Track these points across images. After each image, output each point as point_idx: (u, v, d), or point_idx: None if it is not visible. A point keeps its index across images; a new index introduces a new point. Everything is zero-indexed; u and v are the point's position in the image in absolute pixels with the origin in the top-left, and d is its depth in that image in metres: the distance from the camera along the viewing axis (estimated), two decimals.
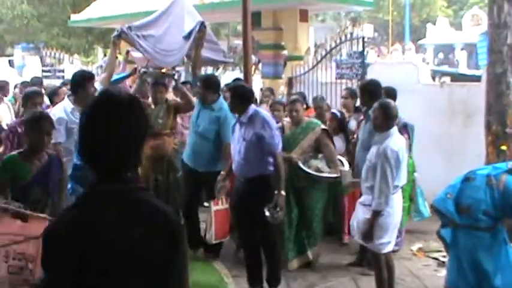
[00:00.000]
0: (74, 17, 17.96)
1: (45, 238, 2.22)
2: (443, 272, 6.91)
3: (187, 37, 8.25)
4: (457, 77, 13.09)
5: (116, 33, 7.56)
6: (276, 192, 6.15)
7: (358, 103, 8.56)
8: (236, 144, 6.43)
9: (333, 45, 11.14)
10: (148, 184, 7.51)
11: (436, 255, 7.70)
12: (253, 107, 6.42)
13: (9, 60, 28.86)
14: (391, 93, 7.36)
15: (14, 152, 5.40)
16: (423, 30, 35.79)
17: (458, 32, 30.38)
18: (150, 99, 8.08)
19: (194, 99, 8.03)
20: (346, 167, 7.24)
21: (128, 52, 9.97)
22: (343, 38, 10.71)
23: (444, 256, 7.14)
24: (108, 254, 2.19)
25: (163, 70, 8.79)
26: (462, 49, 29.83)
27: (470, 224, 6.22)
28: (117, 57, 8.03)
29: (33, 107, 7.16)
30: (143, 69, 8.28)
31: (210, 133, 7.39)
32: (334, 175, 7.10)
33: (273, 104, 8.55)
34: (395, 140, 5.80)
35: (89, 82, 6.60)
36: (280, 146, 6.37)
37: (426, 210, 7.81)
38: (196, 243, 7.56)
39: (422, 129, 8.68)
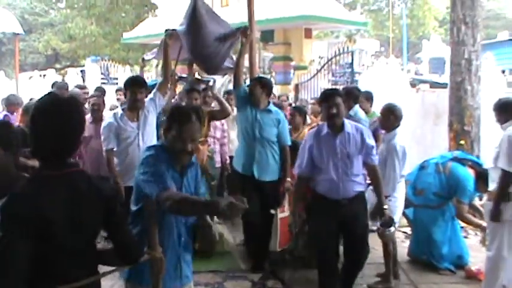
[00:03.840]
0: (125, 35, 18.28)
1: (3, 210, 2.29)
2: (407, 243, 6.97)
3: (221, 39, 6.64)
4: (433, 85, 13.04)
5: (167, 32, 5.99)
6: (385, 207, 4.91)
7: None
8: (332, 160, 4.71)
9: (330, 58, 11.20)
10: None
11: (404, 229, 7.72)
12: None
13: (81, 70, 29.31)
14: (369, 96, 7.39)
15: None
16: (420, 45, 35.36)
17: (448, 47, 29.99)
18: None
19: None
20: None
21: (143, 60, 8.56)
22: (337, 52, 10.74)
23: (411, 230, 7.18)
24: (56, 224, 2.30)
25: (198, 76, 7.85)
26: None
27: (424, 203, 6.30)
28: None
29: None
30: (178, 75, 7.29)
31: (274, 137, 5.92)
32: None
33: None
34: (400, 138, 5.69)
35: (131, 87, 5.54)
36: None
37: None
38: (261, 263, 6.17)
39: (400, 127, 8.70)
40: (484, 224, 5.86)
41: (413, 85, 11.42)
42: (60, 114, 2.37)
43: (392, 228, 4.99)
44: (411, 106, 9.86)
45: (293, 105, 8.43)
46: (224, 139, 7.56)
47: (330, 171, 4.71)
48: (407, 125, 9.53)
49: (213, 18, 6.70)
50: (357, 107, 7.14)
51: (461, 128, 8.21)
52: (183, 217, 3.21)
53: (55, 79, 22.04)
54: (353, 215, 4.73)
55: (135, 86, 5.53)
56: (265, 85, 6.00)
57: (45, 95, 2.51)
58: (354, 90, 7.53)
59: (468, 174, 6.10)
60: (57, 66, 34.42)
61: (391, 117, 5.72)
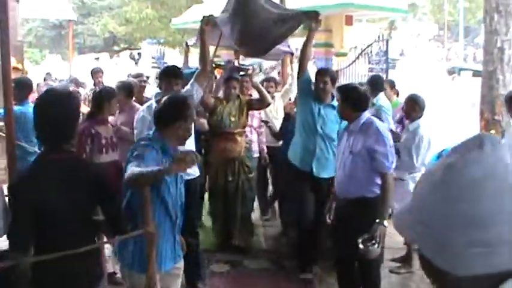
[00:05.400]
0: (174, 20, 18.69)
1: (11, 189, 2.73)
2: None
3: (278, 21, 5.86)
4: (475, 73, 12.89)
5: (203, 19, 5.40)
6: (377, 220, 4.25)
7: None
8: (340, 157, 4.65)
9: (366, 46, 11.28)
10: (216, 185, 6.30)
11: None
12: (366, 114, 4.57)
13: (138, 53, 30.09)
14: (392, 84, 7.50)
15: None
16: (479, 29, 34.55)
17: None
18: (221, 94, 6.50)
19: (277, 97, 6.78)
20: None
21: (187, 45, 7.99)
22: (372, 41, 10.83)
23: None
24: (52, 201, 2.65)
25: (237, 63, 7.42)
26: None
27: None
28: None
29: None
30: (216, 63, 6.77)
31: (335, 134, 5.54)
32: None
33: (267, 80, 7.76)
34: (424, 128, 5.71)
35: (167, 78, 5.14)
36: (393, 166, 4.48)
37: None
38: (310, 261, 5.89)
39: (431, 115, 8.80)
40: None
41: (451, 73, 11.35)
42: (53, 107, 2.74)
43: (376, 247, 4.25)
44: (446, 94, 9.89)
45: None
46: (261, 128, 7.32)
47: (339, 168, 4.68)
48: (441, 113, 9.63)
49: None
50: (380, 94, 7.25)
51: (492, 117, 8.22)
52: (177, 199, 3.38)
53: (108, 62, 22.94)
54: (346, 218, 4.56)
55: (171, 77, 5.11)
56: (334, 79, 5.71)
57: (46, 90, 2.92)
58: (378, 78, 7.68)
59: None
60: (115, 48, 35.40)
61: (415, 107, 5.75)
